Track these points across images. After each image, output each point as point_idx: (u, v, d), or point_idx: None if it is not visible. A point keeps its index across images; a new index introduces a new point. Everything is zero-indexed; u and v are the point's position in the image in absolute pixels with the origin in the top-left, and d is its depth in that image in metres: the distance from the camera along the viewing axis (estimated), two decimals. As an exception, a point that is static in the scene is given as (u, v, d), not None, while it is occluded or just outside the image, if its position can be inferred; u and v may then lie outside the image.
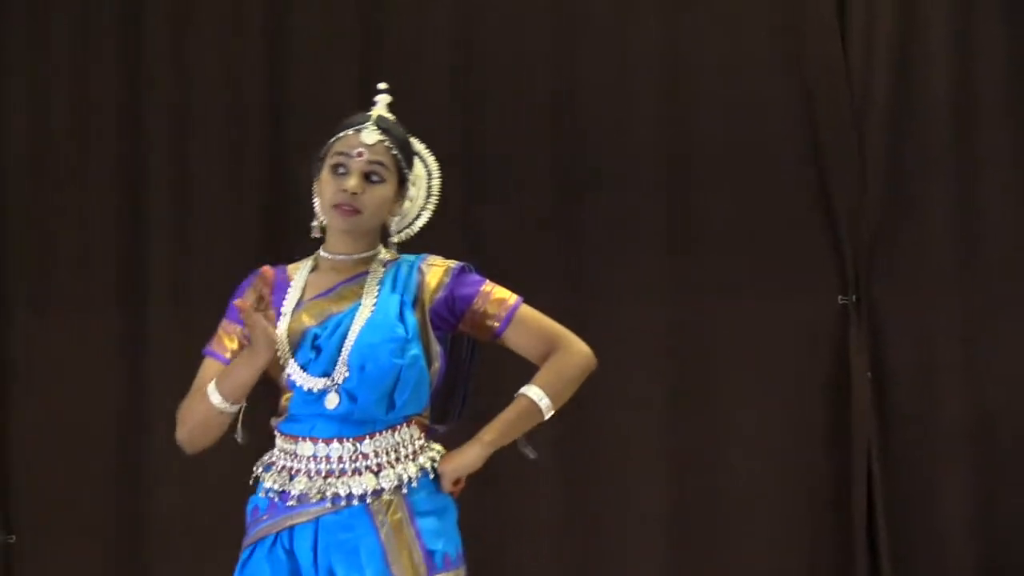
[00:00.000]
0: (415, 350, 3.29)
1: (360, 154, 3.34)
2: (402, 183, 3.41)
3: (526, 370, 3.39)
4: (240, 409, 3.29)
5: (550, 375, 3.36)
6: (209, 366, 3.37)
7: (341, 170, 3.34)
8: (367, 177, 3.34)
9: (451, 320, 3.37)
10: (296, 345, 3.30)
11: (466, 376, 3.47)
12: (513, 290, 3.37)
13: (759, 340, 5.32)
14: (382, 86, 3.47)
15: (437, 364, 3.34)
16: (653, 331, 5.35)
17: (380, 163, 3.35)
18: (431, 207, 3.48)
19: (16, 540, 5.46)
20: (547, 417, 3.35)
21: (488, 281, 3.40)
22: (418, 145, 3.49)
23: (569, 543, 5.38)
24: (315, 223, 3.40)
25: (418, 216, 3.48)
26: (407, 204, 3.45)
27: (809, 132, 5.29)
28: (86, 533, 5.41)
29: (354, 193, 3.32)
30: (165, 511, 5.36)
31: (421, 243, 5.25)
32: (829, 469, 5.29)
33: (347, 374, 3.26)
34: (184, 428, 3.33)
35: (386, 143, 3.36)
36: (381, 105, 3.46)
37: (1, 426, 5.46)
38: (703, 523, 5.33)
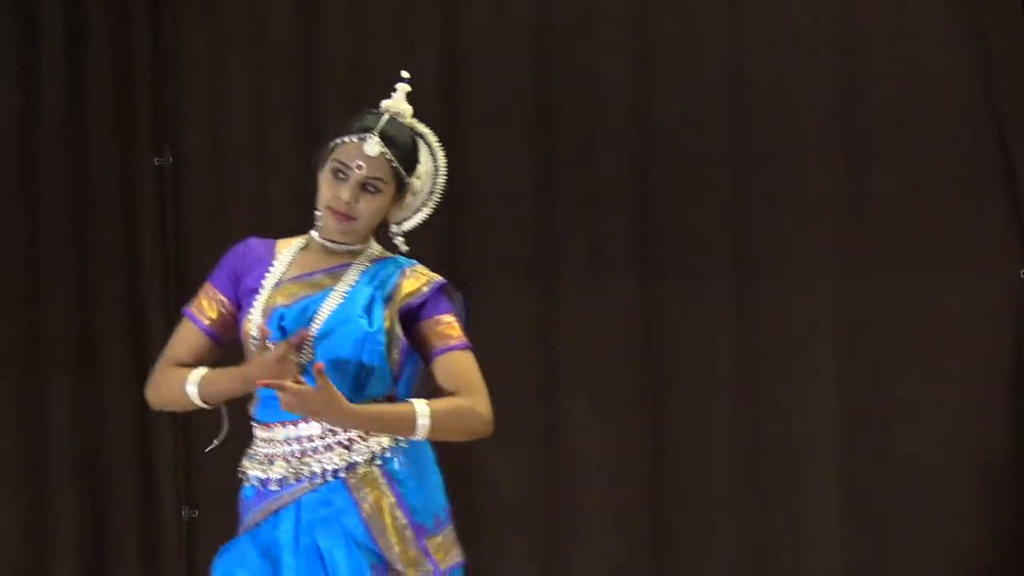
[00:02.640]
0: (379, 341, 3.29)
1: (360, 167, 3.33)
2: (400, 187, 3.38)
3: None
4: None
5: (446, 408, 3.28)
6: (186, 328, 3.42)
7: (340, 175, 3.35)
8: (364, 187, 3.34)
9: (407, 325, 3.35)
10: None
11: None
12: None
13: (937, 316, 5.20)
14: (404, 75, 3.45)
15: (396, 356, 3.32)
16: (826, 306, 5.27)
17: (378, 177, 3.34)
18: (432, 204, 3.45)
19: (199, 514, 5.60)
20: (415, 437, 3.26)
21: (454, 313, 3.36)
22: (430, 137, 3.45)
23: (744, 518, 5.34)
24: (318, 212, 3.40)
25: (418, 211, 3.45)
26: (409, 198, 3.42)
27: (989, 104, 5.14)
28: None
29: (348, 203, 3.33)
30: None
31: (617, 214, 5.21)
32: (1008, 449, 5.16)
33: (312, 358, 3.28)
34: (155, 394, 3.43)
35: (387, 156, 3.34)
36: (397, 99, 3.42)
37: (185, 405, 5.57)
38: (877, 501, 5.24)
